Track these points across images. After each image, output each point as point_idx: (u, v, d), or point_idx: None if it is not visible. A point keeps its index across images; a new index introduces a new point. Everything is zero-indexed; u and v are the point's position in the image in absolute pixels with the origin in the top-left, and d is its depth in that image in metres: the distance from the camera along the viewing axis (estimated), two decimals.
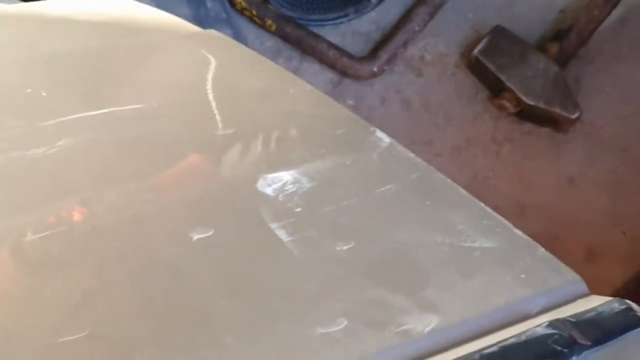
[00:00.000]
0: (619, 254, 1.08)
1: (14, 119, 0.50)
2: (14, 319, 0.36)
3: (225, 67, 0.62)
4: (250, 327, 0.36)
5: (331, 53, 1.13)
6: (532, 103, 1.09)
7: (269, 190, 0.46)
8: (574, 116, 1.07)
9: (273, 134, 0.52)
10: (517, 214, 1.04)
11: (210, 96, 0.57)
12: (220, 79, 0.60)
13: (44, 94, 0.54)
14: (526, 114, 1.11)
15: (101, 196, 0.44)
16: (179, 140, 0.52)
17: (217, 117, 0.53)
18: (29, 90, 0.54)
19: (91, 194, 0.44)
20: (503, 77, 1.10)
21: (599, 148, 1.08)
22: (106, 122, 0.51)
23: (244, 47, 0.68)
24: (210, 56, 0.63)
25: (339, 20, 1.15)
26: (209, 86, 0.59)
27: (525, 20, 1.15)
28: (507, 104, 1.10)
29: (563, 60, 1.11)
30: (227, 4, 1.03)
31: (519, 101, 1.09)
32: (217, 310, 0.37)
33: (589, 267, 1.02)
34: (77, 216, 0.43)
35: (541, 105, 1.08)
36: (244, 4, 1.11)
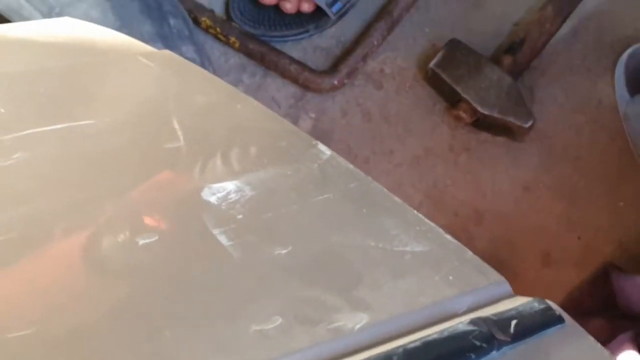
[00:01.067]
0: (573, 257, 1.09)
1: None
2: None
3: (176, 85, 0.63)
4: (189, 324, 0.37)
5: (293, 68, 1.14)
6: (487, 113, 1.09)
7: (213, 199, 0.46)
8: (527, 125, 1.08)
9: (219, 146, 0.53)
10: (475, 221, 1.05)
11: (160, 112, 0.58)
12: (171, 96, 0.61)
13: (2, 110, 0.53)
14: (482, 123, 1.12)
15: (51, 206, 0.45)
16: (128, 154, 0.52)
17: (166, 131, 0.54)
18: None
19: (42, 204, 0.45)
20: (459, 89, 1.11)
21: (553, 156, 1.09)
22: (60, 136, 0.51)
23: (195, 65, 0.68)
24: (162, 74, 0.64)
25: (300, 36, 1.16)
26: (159, 103, 0.60)
27: (480, 33, 1.17)
28: (463, 115, 1.12)
29: (517, 72, 1.13)
30: (190, 22, 1.03)
31: (474, 111, 1.11)
32: (157, 309, 0.38)
33: (545, 270, 1.04)
34: (23, 224, 0.43)
35: (496, 114, 1.10)
36: (208, 22, 1.14)
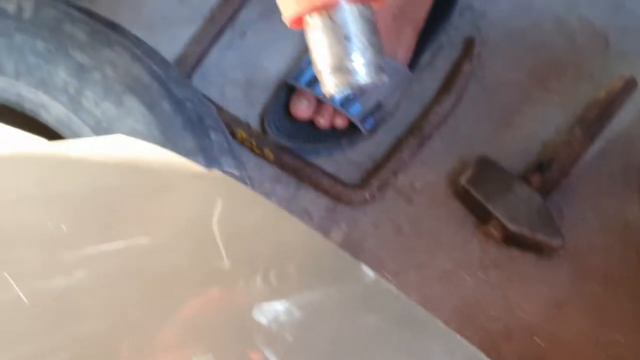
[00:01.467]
0: None
1: (35, 252, 0.52)
2: None
3: (227, 205, 0.63)
4: None
5: (325, 181, 1.14)
6: (516, 230, 1.09)
7: (263, 320, 0.47)
8: (556, 244, 1.08)
9: (268, 266, 0.54)
10: (505, 337, 1.03)
11: (214, 232, 0.58)
12: (222, 216, 0.61)
13: (63, 228, 0.55)
14: (512, 240, 1.11)
15: (106, 325, 0.46)
16: (184, 272, 0.54)
17: (221, 251, 0.55)
18: (49, 225, 0.55)
19: (101, 325, 0.47)
20: (489, 206, 1.11)
21: (583, 275, 1.08)
22: (118, 254, 0.53)
23: (242, 185, 0.69)
24: (213, 195, 0.64)
25: (333, 150, 1.17)
26: (212, 223, 0.60)
27: (509, 152, 1.17)
28: (493, 231, 1.11)
29: (546, 191, 1.13)
30: (228, 135, 1.02)
31: (504, 228, 1.10)
32: None
33: None
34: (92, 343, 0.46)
35: (525, 232, 1.09)
36: (244, 134, 1.15)
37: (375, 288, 0.53)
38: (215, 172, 0.68)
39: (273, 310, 0.49)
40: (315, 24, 0.58)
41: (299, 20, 0.60)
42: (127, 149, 0.71)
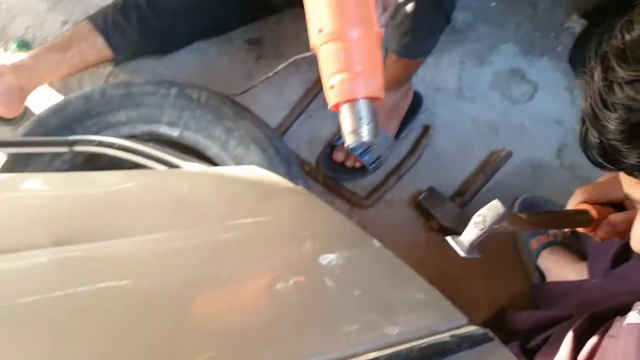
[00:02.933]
0: (486, 302, 1.18)
1: (213, 220, 0.54)
2: None
3: (304, 206, 0.66)
4: (318, 321, 0.42)
5: (348, 194, 1.31)
6: (446, 225, 1.27)
7: (324, 262, 0.51)
8: None
9: (326, 237, 0.57)
10: (439, 278, 1.00)
11: (299, 216, 0.63)
12: (303, 209, 0.65)
13: (226, 210, 0.58)
14: (443, 230, 1.27)
15: (248, 259, 0.49)
16: (283, 234, 0.56)
17: (302, 226, 0.59)
18: (219, 208, 0.58)
19: (245, 258, 0.49)
20: (433, 211, 1.27)
21: (482, 252, 1.00)
22: (255, 225, 0.55)
23: (313, 195, 0.70)
24: (297, 199, 0.68)
25: (353, 179, 1.32)
26: (295, 214, 0.64)
27: (445, 184, 1.31)
28: (434, 225, 1.29)
29: (462, 206, 1.30)
30: (301, 168, 1.16)
31: (440, 224, 1.27)
32: (301, 319, 0.42)
33: (472, 308, 0.91)
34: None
35: (450, 226, 1.26)
36: (307, 168, 1.31)
37: (379, 251, 0.55)
38: (299, 187, 0.71)
39: (329, 259, 0.51)
40: (344, 109, 0.62)
41: (336, 107, 0.63)
42: (255, 172, 0.75)
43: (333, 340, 0.41)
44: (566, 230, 0.90)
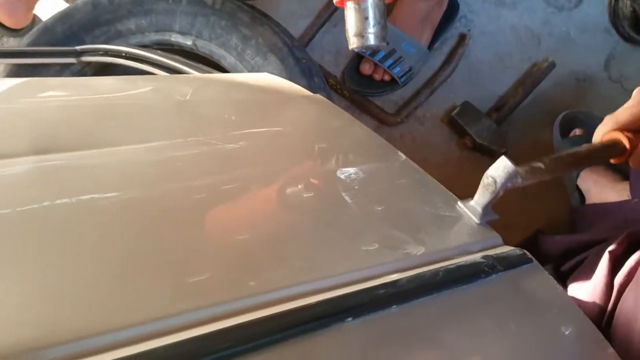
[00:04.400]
0: (521, 227, 1.18)
1: (218, 128, 0.52)
2: None
3: (324, 113, 0.63)
4: (329, 243, 0.40)
5: (376, 110, 1.26)
6: (480, 142, 1.24)
7: (342, 176, 0.49)
8: (503, 150, 1.22)
9: (346, 148, 0.55)
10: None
11: (316, 127, 0.60)
12: (321, 119, 0.62)
13: (233, 118, 0.55)
14: (477, 148, 1.27)
15: (256, 171, 0.46)
16: (297, 146, 0.54)
17: (319, 137, 0.56)
18: (226, 116, 0.55)
19: (253, 170, 0.46)
20: (467, 128, 1.25)
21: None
22: (263, 135, 0.53)
23: (334, 105, 0.68)
24: (314, 107, 0.65)
25: (381, 94, 1.27)
26: (313, 122, 0.61)
27: (480, 99, 1.28)
28: (467, 142, 1.27)
29: (499, 122, 1.28)
30: (325, 81, 1.08)
31: (474, 141, 1.24)
32: (312, 233, 0.40)
33: (505, 233, 1.00)
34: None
35: (485, 144, 1.25)
36: (333, 82, 1.26)
37: (405, 164, 0.55)
38: (317, 95, 0.68)
39: (347, 172, 0.49)
40: (349, 6, 0.60)
41: (342, 2, 0.61)
42: (267, 79, 0.72)
43: (349, 259, 0.39)
44: None
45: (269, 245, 0.38)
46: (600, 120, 0.66)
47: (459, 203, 0.51)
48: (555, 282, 0.45)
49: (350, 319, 0.34)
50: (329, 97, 1.01)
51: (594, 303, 0.72)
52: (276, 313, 0.32)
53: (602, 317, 0.69)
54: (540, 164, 0.56)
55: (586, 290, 0.73)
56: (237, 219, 0.40)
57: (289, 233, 0.40)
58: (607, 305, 0.69)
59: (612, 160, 0.67)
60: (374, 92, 1.28)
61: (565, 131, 1.21)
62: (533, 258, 0.44)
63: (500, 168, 0.49)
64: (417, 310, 0.36)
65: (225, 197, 0.41)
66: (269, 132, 0.54)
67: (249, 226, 0.39)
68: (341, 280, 0.37)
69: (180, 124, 0.51)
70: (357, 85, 1.26)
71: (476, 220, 0.49)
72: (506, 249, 0.45)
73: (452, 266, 0.40)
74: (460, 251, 0.43)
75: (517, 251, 0.44)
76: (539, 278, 0.43)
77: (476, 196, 0.50)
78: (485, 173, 0.49)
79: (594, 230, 0.98)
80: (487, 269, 0.41)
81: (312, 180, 0.47)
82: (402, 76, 1.24)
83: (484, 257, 0.42)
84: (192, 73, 0.79)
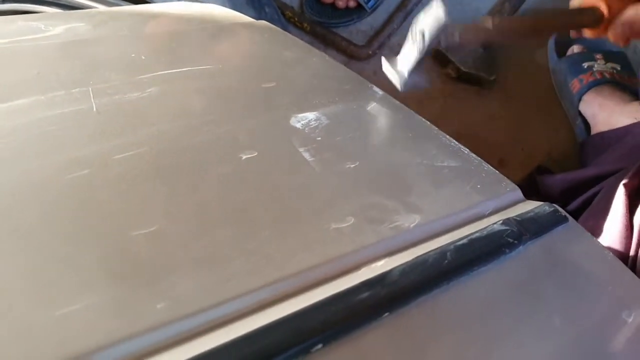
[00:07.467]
0: (518, 162, 1.11)
1: (118, 74, 0.46)
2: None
3: (271, 44, 0.58)
4: (283, 223, 0.34)
5: (343, 43, 1.19)
6: (466, 70, 1.16)
7: (298, 125, 0.44)
8: (492, 78, 1.14)
9: (302, 87, 0.49)
10: (457, 137, 1.02)
11: (259, 61, 0.54)
12: (267, 50, 0.57)
13: (142, 57, 0.49)
14: (462, 78, 1.18)
15: (172, 127, 0.41)
16: (233, 89, 0.48)
17: (264, 75, 0.51)
18: (133, 55, 0.49)
19: (166, 126, 0.40)
20: (449, 55, 1.17)
21: (508, 97, 1.14)
22: (184, 76, 0.47)
23: (284, 31, 0.63)
24: (261, 36, 0.60)
25: (347, 23, 1.20)
26: (259, 55, 0.56)
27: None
28: (450, 72, 1.18)
29: (486, 45, 1.17)
30: (278, 11, 1.04)
31: (458, 69, 1.17)
32: (258, 212, 0.34)
33: (501, 169, 1.04)
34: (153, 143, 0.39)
35: (472, 71, 1.16)
36: (289, 13, 1.18)
37: (383, 101, 0.50)
38: (263, 22, 0.62)
39: (305, 118, 0.44)
40: None
41: None
42: (196, 8, 0.66)
43: (310, 248, 0.31)
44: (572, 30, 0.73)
45: (183, 244, 0.30)
46: None
47: (385, 63, 0.46)
48: (602, 246, 0.37)
49: (319, 345, 0.25)
50: (285, 31, 0.96)
51: (612, 249, 0.65)
52: None
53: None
54: (488, 22, 0.52)
55: (601, 234, 0.66)
56: (134, 205, 0.32)
57: (216, 219, 0.32)
58: (629, 249, 0.62)
59: (586, 33, 0.61)
60: (338, 22, 1.21)
61: (561, 50, 1.14)
62: (568, 215, 0.37)
63: (431, 18, 0.43)
64: (419, 317, 0.28)
65: (119, 173, 0.34)
66: (192, 72, 0.48)
67: (154, 215, 0.31)
68: (299, 283, 0.29)
69: (63, 72, 0.43)
70: (319, 16, 1.20)
71: (398, 86, 0.43)
72: (531, 205, 0.38)
73: (462, 242, 0.33)
74: (470, 216, 0.36)
75: (546, 207, 0.37)
76: (581, 243, 0.36)
77: (401, 55, 0.42)
78: (413, 21, 0.43)
79: (600, 161, 0.91)
80: (511, 240, 0.34)
81: (254, 139, 0.40)
82: (368, 1, 1.18)
83: (505, 221, 0.35)
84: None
